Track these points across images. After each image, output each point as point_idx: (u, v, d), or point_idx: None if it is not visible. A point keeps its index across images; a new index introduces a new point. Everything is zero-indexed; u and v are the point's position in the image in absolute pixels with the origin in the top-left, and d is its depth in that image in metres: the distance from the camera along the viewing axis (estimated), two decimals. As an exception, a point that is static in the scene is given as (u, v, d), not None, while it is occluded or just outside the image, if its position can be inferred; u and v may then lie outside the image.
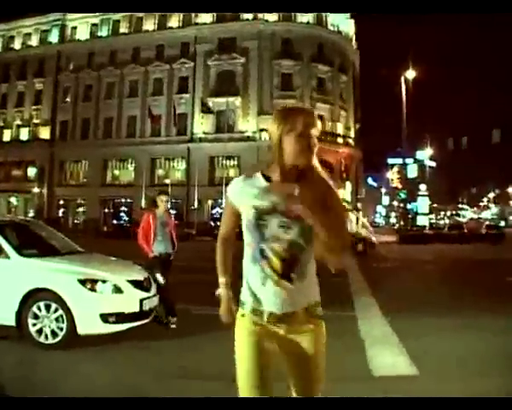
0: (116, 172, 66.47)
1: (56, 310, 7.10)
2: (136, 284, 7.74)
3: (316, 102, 60.49)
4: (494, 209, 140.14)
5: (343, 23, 65.78)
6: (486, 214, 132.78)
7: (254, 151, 53.66)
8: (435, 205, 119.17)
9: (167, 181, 57.89)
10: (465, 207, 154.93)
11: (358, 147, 66.45)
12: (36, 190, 65.77)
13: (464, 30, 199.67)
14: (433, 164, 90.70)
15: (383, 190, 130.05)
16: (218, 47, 61.96)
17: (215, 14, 62.50)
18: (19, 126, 70.23)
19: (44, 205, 66.29)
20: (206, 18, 63.00)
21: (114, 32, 67.03)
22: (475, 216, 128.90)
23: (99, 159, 63.93)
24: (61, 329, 7.07)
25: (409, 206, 75.74)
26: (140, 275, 8.04)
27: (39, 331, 7.09)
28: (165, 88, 64.23)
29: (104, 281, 7.34)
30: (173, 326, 8.31)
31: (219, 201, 54.82)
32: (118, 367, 6.39)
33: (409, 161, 76.85)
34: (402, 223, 74.16)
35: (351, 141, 64.88)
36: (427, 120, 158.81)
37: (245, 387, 2.63)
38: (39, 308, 7.13)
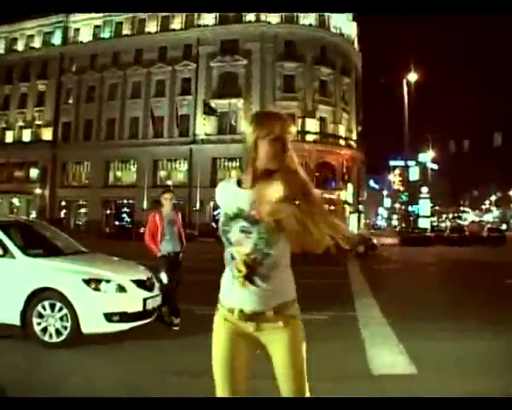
0: (118, 173, 66.49)
1: (61, 309, 7.18)
2: (140, 283, 7.81)
3: (318, 104, 60.63)
4: (496, 212, 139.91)
5: (345, 25, 65.78)
6: (488, 217, 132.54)
7: (256, 153, 53.45)
8: (437, 207, 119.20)
9: (169, 182, 58.00)
10: (467, 209, 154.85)
11: (360, 149, 66.41)
12: (38, 191, 65.76)
13: (466, 32, 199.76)
14: (435, 166, 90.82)
15: (385, 193, 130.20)
16: (220, 49, 61.99)
17: (217, 16, 62.53)
18: (21, 128, 70.27)
19: (46, 206, 66.31)
20: (208, 20, 63.05)
21: (117, 33, 67.05)
22: (477, 219, 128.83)
23: (101, 160, 63.96)
24: (66, 328, 7.15)
25: (410, 208, 75.86)
26: (143, 275, 8.12)
27: (44, 330, 7.17)
28: (168, 89, 64.25)
29: (108, 281, 7.42)
30: (176, 328, 8.31)
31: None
32: (120, 365, 6.47)
33: (411, 163, 77.02)
34: (403, 225, 74.13)
35: (353, 143, 64.85)
36: (429, 122, 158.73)
37: (217, 380, 2.75)
38: (44, 307, 7.21)
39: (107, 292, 7.37)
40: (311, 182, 2.72)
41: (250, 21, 61.64)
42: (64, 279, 7.34)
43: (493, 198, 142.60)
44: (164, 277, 8.39)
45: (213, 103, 59.92)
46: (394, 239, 54.02)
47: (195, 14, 63.02)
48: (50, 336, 7.16)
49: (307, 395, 2.73)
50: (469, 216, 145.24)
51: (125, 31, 66.75)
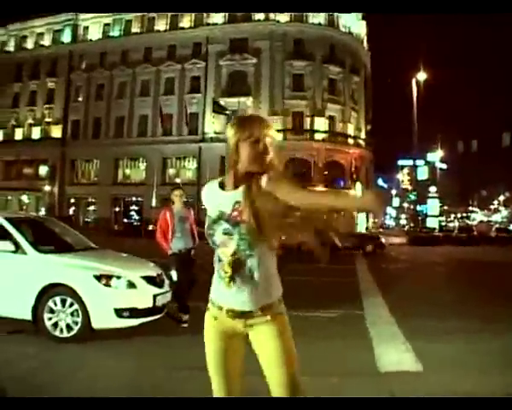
0: (127, 171, 66.58)
1: (72, 305, 7.27)
2: (150, 279, 7.89)
3: (327, 103, 60.49)
4: (504, 212, 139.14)
5: (355, 24, 65.63)
6: (497, 217, 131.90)
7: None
8: (445, 207, 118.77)
9: (178, 180, 57.97)
10: (475, 209, 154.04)
11: (369, 148, 66.24)
12: (47, 188, 65.93)
13: (476, 32, 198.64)
14: (444, 166, 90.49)
15: (393, 192, 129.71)
16: (229, 47, 61.95)
17: (227, 15, 62.52)
18: (31, 125, 70.46)
19: (55, 203, 66.47)
20: (217, 18, 63.06)
21: (126, 31, 67.12)
22: (485, 219, 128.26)
23: (110, 158, 64.13)
24: (76, 323, 7.24)
25: (419, 208, 75.59)
26: (153, 271, 8.21)
27: (55, 325, 7.26)
28: (177, 88, 64.26)
29: (119, 277, 7.50)
30: (185, 325, 8.32)
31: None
32: (129, 360, 6.54)
33: (419, 162, 76.72)
34: (412, 225, 73.96)
35: (361, 142, 64.67)
36: (437, 121, 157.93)
37: (213, 380, 2.87)
38: (55, 303, 7.30)
39: (118, 288, 7.45)
40: (297, 183, 2.74)
41: (259, 20, 61.58)
42: (75, 275, 7.43)
43: (502, 198, 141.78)
44: (174, 274, 8.43)
45: (223, 102, 59.94)
46: (402, 239, 54.00)
47: (204, 13, 63.05)
48: (61, 331, 7.25)
49: (300, 383, 2.76)
50: (478, 216, 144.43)
51: (135, 29, 66.84)
